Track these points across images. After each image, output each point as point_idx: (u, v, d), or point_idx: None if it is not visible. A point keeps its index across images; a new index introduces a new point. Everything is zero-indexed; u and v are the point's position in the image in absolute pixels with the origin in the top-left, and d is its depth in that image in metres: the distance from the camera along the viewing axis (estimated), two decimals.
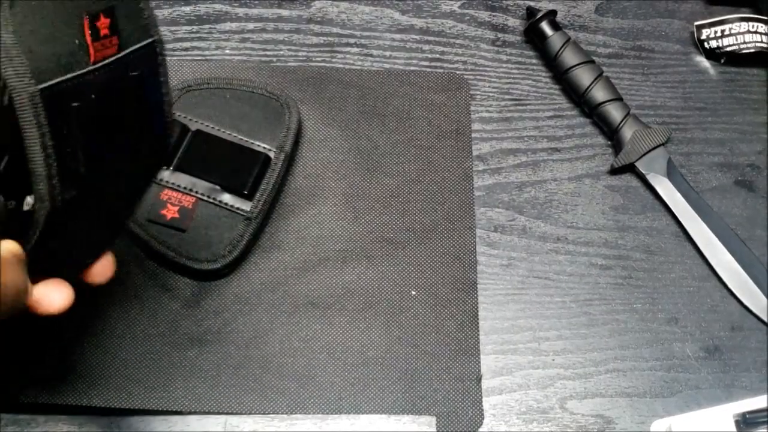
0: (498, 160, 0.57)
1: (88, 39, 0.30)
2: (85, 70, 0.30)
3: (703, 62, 0.63)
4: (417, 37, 0.61)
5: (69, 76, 0.30)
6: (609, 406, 0.50)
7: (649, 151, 0.57)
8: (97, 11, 0.31)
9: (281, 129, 0.53)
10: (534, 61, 0.61)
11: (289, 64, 0.59)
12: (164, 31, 0.59)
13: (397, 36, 0.61)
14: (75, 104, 0.30)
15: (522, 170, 0.57)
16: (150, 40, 0.33)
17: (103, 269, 0.37)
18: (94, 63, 0.31)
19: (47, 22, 0.29)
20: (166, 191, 0.51)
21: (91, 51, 0.31)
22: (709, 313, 0.53)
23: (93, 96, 0.31)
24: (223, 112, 0.54)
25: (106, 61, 0.31)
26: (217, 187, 0.51)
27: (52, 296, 0.34)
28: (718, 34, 0.61)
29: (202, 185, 0.51)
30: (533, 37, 0.61)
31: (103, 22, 0.31)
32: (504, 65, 0.61)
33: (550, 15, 0.60)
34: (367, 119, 0.57)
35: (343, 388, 0.48)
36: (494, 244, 0.54)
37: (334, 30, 0.61)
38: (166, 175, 0.51)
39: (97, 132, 0.32)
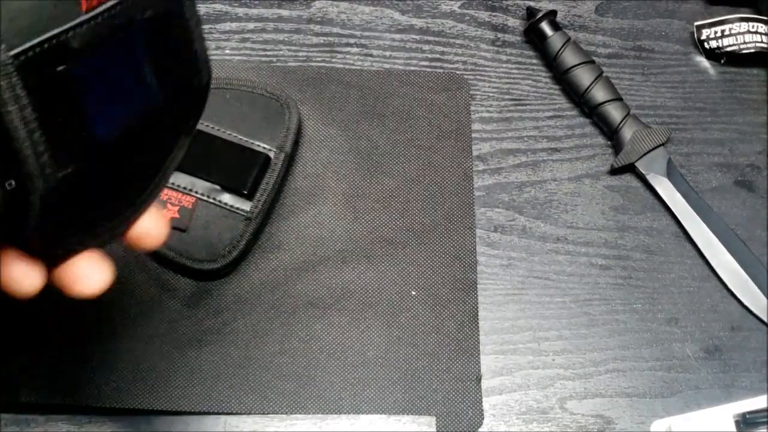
0: (498, 160, 0.57)
1: None
2: (72, 23, 0.25)
3: (703, 62, 0.63)
4: (417, 37, 0.61)
5: (51, 33, 0.24)
6: (609, 406, 0.50)
7: (649, 151, 0.57)
8: None
9: (281, 129, 0.53)
10: (534, 61, 0.61)
11: (289, 64, 0.59)
12: None
13: (397, 36, 0.61)
14: (60, 68, 0.25)
15: (522, 170, 0.57)
16: None
17: (156, 224, 0.33)
18: (87, 11, 0.25)
19: None
20: (165, 191, 0.51)
21: None
22: (709, 313, 0.53)
23: (87, 53, 0.26)
24: (223, 112, 0.54)
25: (105, 6, 0.26)
26: (217, 187, 0.51)
27: (91, 275, 0.30)
28: (718, 34, 0.61)
29: (201, 185, 0.51)
30: (533, 38, 0.61)
31: None
32: (504, 65, 0.61)
33: (550, 15, 0.60)
34: (367, 119, 0.57)
35: (343, 389, 0.48)
36: (494, 244, 0.54)
37: (334, 30, 0.61)
38: None
39: (98, 94, 0.27)
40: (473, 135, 0.58)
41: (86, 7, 0.25)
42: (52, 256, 0.30)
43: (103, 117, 0.28)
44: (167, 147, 0.33)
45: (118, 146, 0.29)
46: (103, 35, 0.26)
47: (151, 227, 0.33)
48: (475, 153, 0.57)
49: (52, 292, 0.49)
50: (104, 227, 0.32)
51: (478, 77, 0.60)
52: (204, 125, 0.53)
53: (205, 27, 0.60)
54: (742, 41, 0.60)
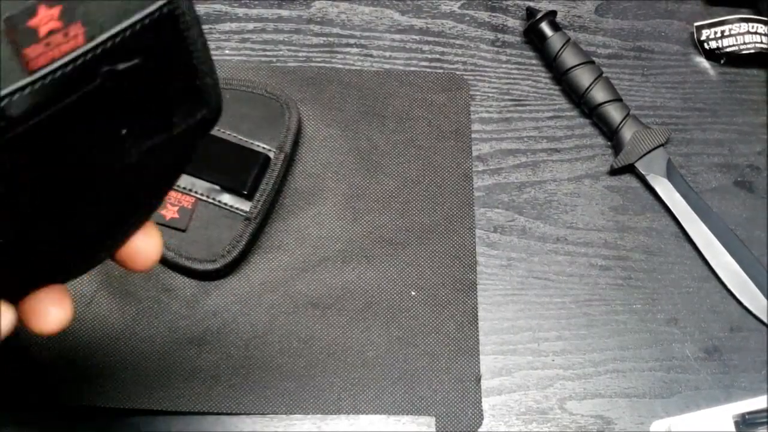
0: (498, 160, 0.57)
1: (16, 45, 0.21)
2: (12, 87, 0.20)
3: (703, 63, 0.63)
4: (417, 37, 0.61)
5: None
6: (608, 407, 0.50)
7: (649, 151, 0.57)
8: (28, 7, 0.20)
9: (281, 129, 0.53)
10: (534, 61, 0.61)
11: (289, 64, 0.59)
12: None
13: (397, 36, 0.61)
14: None
15: (522, 171, 0.57)
16: (159, 3, 0.22)
17: (146, 246, 0.29)
18: (33, 72, 0.21)
19: None
20: None
21: (27, 56, 0.21)
22: (709, 313, 0.53)
23: (36, 119, 0.21)
24: (223, 112, 0.53)
25: (60, 63, 0.21)
26: (217, 187, 0.51)
27: (49, 310, 0.28)
28: (718, 34, 0.61)
29: (201, 185, 0.51)
30: (533, 38, 0.61)
31: (46, 16, 0.21)
32: (504, 66, 0.61)
33: (550, 15, 0.60)
34: (367, 119, 0.57)
35: (343, 389, 0.48)
36: (494, 245, 0.54)
37: (334, 30, 0.61)
38: None
39: (53, 167, 0.22)
40: (473, 135, 0.58)
41: (33, 66, 0.21)
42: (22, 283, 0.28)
43: (58, 189, 0.23)
44: (144, 197, 0.28)
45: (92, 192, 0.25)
46: (56, 97, 0.21)
47: (141, 246, 0.30)
48: (475, 153, 0.57)
49: None
50: (77, 264, 0.29)
51: (478, 77, 0.60)
52: None
53: (205, 27, 0.60)
54: (742, 42, 0.60)
